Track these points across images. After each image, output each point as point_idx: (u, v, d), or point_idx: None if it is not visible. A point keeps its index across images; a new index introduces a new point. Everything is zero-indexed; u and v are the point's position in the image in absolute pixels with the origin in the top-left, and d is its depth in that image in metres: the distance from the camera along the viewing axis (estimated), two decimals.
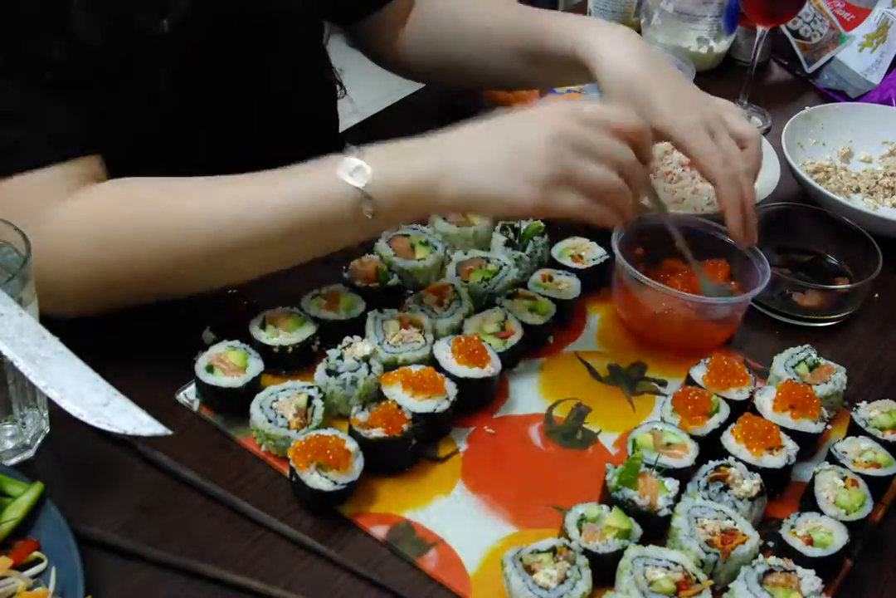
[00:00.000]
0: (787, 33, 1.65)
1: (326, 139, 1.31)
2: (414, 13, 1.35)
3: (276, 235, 0.96)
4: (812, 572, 0.86)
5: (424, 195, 0.94)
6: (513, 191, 0.93)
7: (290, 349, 1.03)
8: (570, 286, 1.14)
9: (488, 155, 0.94)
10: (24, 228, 0.89)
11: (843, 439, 1.00)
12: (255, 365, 1.00)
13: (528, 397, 1.06)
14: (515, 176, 0.93)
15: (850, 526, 0.91)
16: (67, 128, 0.99)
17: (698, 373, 1.05)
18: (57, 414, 0.98)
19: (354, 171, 0.93)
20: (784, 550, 0.90)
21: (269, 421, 0.95)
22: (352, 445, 0.93)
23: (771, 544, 0.93)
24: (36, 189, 0.97)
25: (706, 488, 0.94)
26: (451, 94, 1.48)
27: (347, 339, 1.02)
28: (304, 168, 0.97)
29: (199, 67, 1.09)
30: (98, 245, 0.97)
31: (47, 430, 0.96)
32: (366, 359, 1.00)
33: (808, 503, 0.94)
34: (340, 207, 0.94)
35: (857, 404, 1.03)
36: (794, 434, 0.98)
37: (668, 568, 0.86)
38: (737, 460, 0.96)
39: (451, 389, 0.99)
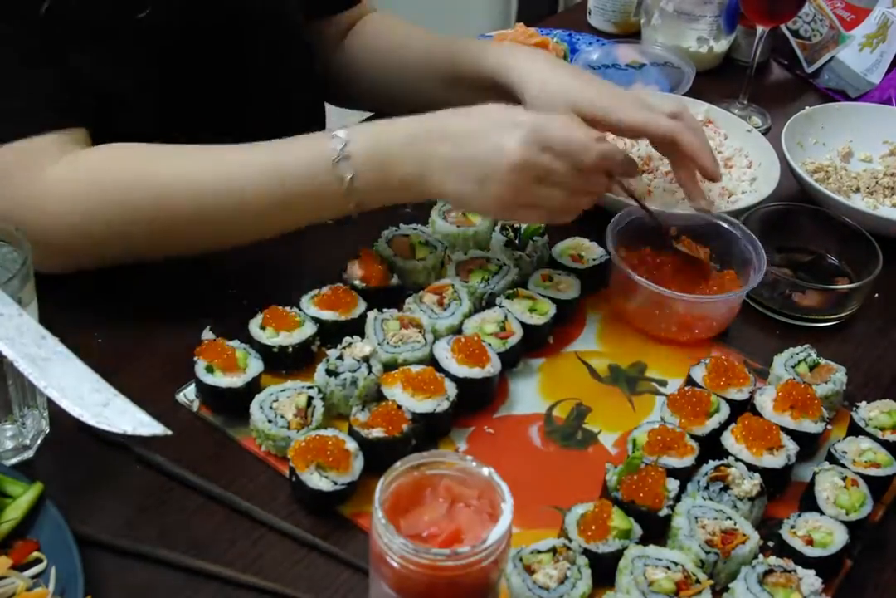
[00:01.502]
0: (787, 33, 1.65)
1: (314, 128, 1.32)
2: (349, 36, 1.37)
3: (257, 198, 1.01)
4: (812, 572, 0.86)
5: (403, 188, 1.03)
6: (480, 207, 1.06)
7: (290, 349, 1.03)
8: (570, 286, 1.14)
9: (461, 174, 1.00)
10: (17, 188, 0.96)
11: (843, 439, 1.00)
12: (255, 365, 1.00)
13: (528, 397, 1.06)
14: (483, 197, 1.01)
15: (850, 526, 0.91)
16: (57, 97, 1.03)
17: (698, 373, 1.05)
18: (57, 414, 0.98)
19: (340, 160, 1.00)
20: (784, 550, 0.90)
21: (269, 421, 0.95)
22: (352, 445, 0.93)
23: (771, 544, 0.93)
24: (29, 153, 1.01)
25: (706, 488, 0.94)
26: None
27: (347, 339, 1.02)
28: (290, 141, 1.03)
29: (179, 53, 1.12)
30: (82, 199, 1.01)
31: (47, 430, 0.96)
32: (366, 359, 1.00)
33: (808, 503, 0.94)
34: (325, 178, 1.00)
35: (857, 404, 1.03)
36: (794, 434, 0.98)
37: (668, 568, 0.86)
38: (737, 460, 0.96)
39: (451, 389, 0.99)
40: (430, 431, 0.98)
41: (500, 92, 1.16)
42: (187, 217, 1.02)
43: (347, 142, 1.00)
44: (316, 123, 1.39)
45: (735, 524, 0.90)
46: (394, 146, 1.01)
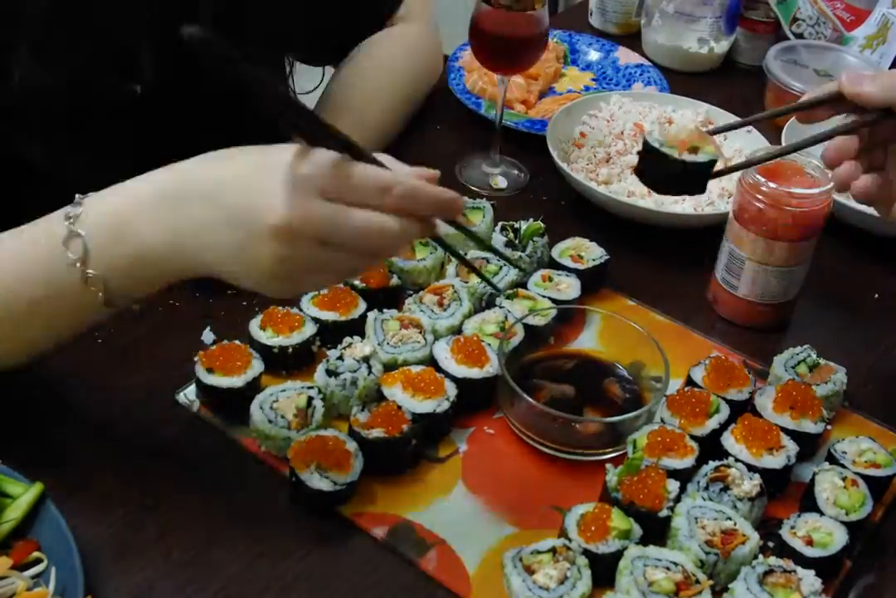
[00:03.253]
0: (791, 36, 1.65)
1: None
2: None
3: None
4: (812, 572, 0.86)
5: (153, 267, 0.83)
6: (252, 283, 0.81)
7: (290, 349, 1.03)
8: (570, 287, 1.14)
9: (218, 240, 0.79)
10: None
11: (843, 439, 1.00)
12: (255, 365, 1.00)
13: None
14: (249, 269, 0.79)
15: (850, 526, 0.91)
16: None
17: (698, 373, 1.05)
18: (57, 413, 0.98)
19: (70, 241, 0.83)
20: (784, 550, 0.90)
21: (270, 421, 0.95)
22: (352, 445, 0.93)
23: (771, 544, 0.92)
24: None
25: (706, 488, 0.94)
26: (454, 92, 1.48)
27: (347, 339, 1.02)
28: (28, 233, 0.87)
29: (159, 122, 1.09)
30: None
31: None
32: (366, 359, 1.00)
33: (808, 503, 0.94)
34: (55, 264, 0.84)
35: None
36: (794, 435, 0.98)
37: (668, 568, 0.86)
38: (737, 460, 0.95)
39: (451, 389, 0.99)
40: (430, 431, 0.98)
41: None
42: None
43: (79, 214, 0.83)
44: None
45: (735, 524, 0.90)
46: (135, 212, 0.82)
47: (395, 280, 1.12)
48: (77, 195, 0.85)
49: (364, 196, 0.76)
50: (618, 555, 0.87)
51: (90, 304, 0.85)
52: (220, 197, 0.78)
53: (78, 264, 0.82)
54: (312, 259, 0.77)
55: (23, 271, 0.86)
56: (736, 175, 1.33)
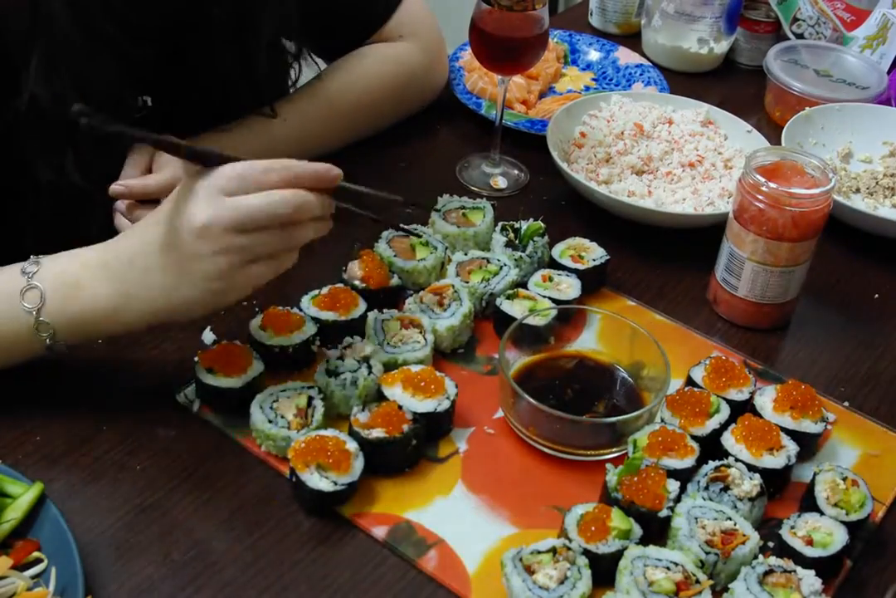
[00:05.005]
0: (792, 36, 1.65)
1: None
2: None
3: None
4: (812, 572, 0.86)
5: (101, 322, 0.95)
6: (194, 309, 0.94)
7: (290, 349, 1.03)
8: (570, 287, 1.14)
9: (165, 286, 0.92)
10: None
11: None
12: (256, 365, 1.00)
13: None
14: (194, 294, 0.92)
15: (850, 526, 0.91)
16: None
17: (698, 373, 1.05)
18: (57, 413, 0.98)
19: (27, 292, 0.93)
20: (784, 550, 0.90)
21: (270, 421, 0.95)
22: (352, 445, 0.93)
23: (771, 544, 0.92)
24: None
25: (706, 488, 0.94)
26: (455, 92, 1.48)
27: (348, 339, 1.02)
28: None
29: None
30: None
31: None
32: (366, 359, 1.00)
33: (808, 503, 0.94)
34: (17, 330, 0.94)
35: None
36: (794, 435, 0.98)
37: (668, 568, 0.86)
38: (737, 460, 0.95)
39: (451, 388, 0.99)
40: (430, 431, 0.98)
41: None
42: None
43: (36, 271, 0.93)
44: None
45: (735, 524, 0.90)
46: (84, 275, 0.94)
47: (395, 280, 1.12)
48: (32, 256, 0.95)
49: (256, 182, 0.89)
50: (618, 555, 0.87)
51: (34, 347, 0.95)
52: (151, 240, 0.92)
53: (33, 313, 0.93)
54: (240, 247, 0.89)
55: None
56: (736, 175, 1.34)
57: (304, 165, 0.92)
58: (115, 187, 1.09)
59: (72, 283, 0.93)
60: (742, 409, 1.02)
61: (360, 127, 1.36)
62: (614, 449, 1.00)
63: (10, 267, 0.96)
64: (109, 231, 1.09)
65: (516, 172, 1.38)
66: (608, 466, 0.94)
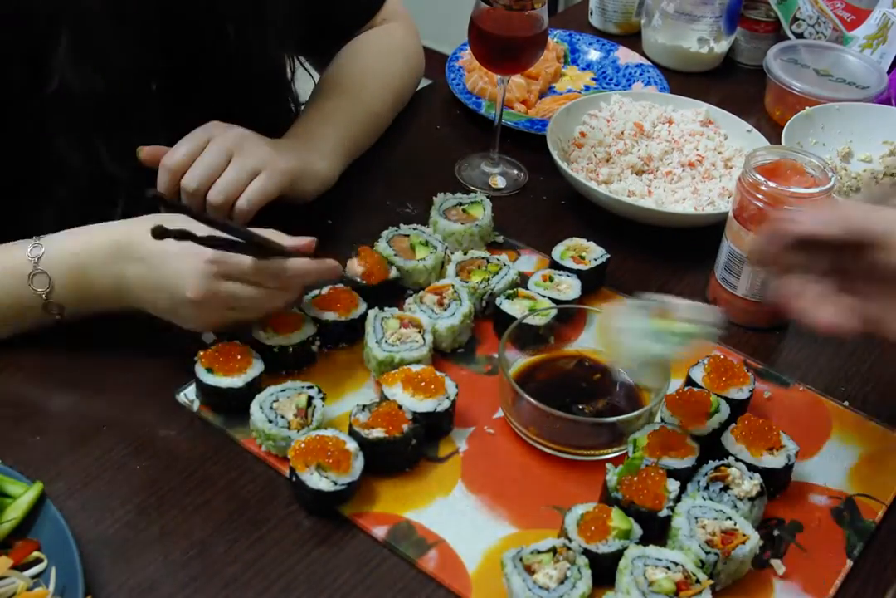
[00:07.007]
0: (792, 36, 1.65)
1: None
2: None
3: None
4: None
5: (104, 304, 1.02)
6: (184, 324, 1.02)
7: (290, 349, 1.03)
8: (570, 287, 1.14)
9: (154, 295, 0.99)
10: None
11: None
12: (256, 365, 1.00)
13: None
14: (183, 319, 1.01)
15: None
16: None
17: (697, 373, 1.05)
18: (57, 413, 0.98)
19: (35, 274, 0.99)
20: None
21: (270, 421, 0.95)
22: (352, 445, 0.93)
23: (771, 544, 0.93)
24: None
25: (706, 488, 0.94)
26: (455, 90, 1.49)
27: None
28: None
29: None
30: None
31: None
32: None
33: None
34: (22, 292, 1.00)
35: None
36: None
37: (668, 568, 0.86)
38: (737, 460, 0.96)
39: (452, 388, 0.99)
40: (430, 430, 0.98)
41: None
42: None
43: (41, 256, 0.99)
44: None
45: (735, 524, 0.90)
46: (91, 264, 0.99)
47: (394, 272, 1.12)
48: (34, 237, 1.00)
49: (261, 279, 0.98)
50: (618, 555, 0.87)
51: (46, 319, 1.02)
52: (155, 265, 0.97)
53: (43, 296, 0.99)
54: (223, 315, 1.00)
55: None
56: (736, 174, 1.34)
57: (314, 267, 1.00)
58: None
59: (78, 267, 0.99)
60: (742, 408, 1.02)
61: (391, 110, 1.40)
62: (614, 449, 1.00)
63: (13, 244, 1.01)
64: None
65: (516, 171, 1.38)
66: (608, 466, 0.94)
